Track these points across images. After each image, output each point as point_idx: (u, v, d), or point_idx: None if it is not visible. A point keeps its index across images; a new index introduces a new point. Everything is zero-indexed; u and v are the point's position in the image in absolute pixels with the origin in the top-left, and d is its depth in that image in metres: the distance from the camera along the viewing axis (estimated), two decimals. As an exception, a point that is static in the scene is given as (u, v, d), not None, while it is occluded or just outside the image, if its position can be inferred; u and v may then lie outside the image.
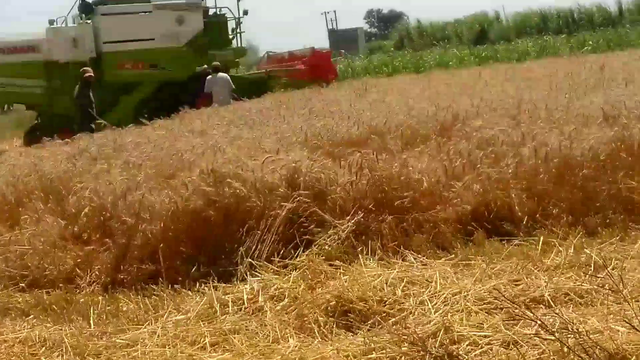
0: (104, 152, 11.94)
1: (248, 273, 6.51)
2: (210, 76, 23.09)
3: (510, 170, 7.85)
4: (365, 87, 22.35)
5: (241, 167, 7.97)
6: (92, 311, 6.22)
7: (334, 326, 5.27)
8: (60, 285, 7.26)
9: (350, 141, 10.58)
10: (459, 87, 17.79)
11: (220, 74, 23.17)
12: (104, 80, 24.49)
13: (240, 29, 27.48)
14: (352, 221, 7.07)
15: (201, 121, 15.51)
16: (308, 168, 7.72)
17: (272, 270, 6.40)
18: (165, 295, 6.56)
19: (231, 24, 27.34)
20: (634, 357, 4.13)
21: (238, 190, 7.54)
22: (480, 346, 4.63)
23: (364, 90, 20.85)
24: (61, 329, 5.75)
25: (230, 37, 27.35)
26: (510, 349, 4.53)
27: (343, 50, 43.72)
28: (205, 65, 23.97)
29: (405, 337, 4.77)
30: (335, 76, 29.12)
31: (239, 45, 27.88)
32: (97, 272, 7.41)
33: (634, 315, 4.46)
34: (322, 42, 61.00)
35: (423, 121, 11.32)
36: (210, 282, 6.50)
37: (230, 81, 23.10)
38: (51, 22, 25.71)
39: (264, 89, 24.26)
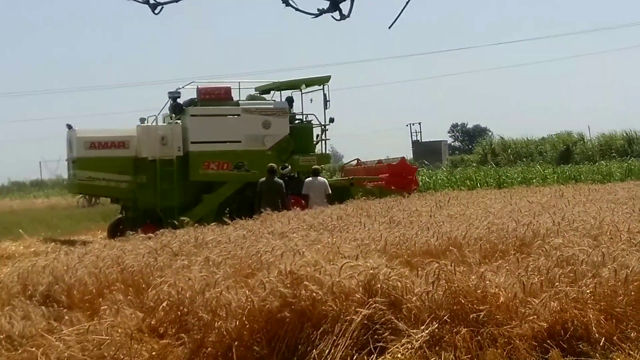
0: (185, 248, 12.13)
1: (320, 376, 6.53)
2: (309, 179, 23.43)
3: (588, 290, 7.78)
4: (447, 199, 22.38)
5: (319, 270, 8.04)
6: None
7: None
8: (134, 377, 7.36)
9: (428, 251, 10.60)
10: (540, 204, 17.68)
11: (320, 178, 23.49)
12: (188, 179, 25.03)
13: (325, 136, 27.94)
14: (427, 331, 7.07)
15: (282, 223, 15.65)
16: (385, 275, 7.77)
17: (344, 376, 6.41)
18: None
19: (317, 131, 27.80)
20: None
21: (315, 293, 7.61)
22: None
23: (445, 202, 20.86)
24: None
25: (315, 143, 27.74)
26: None
27: (426, 162, 43.97)
28: (289, 167, 24.26)
29: None
30: (417, 187, 29.24)
31: (323, 151, 28.26)
32: (175, 367, 7.50)
33: None
34: (406, 153, 61.41)
35: (503, 236, 11.29)
36: (281, 383, 6.54)
37: (328, 185, 23.36)
38: (142, 120, 26.36)
39: (347, 196, 24.44)
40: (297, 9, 2.95)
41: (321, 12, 2.99)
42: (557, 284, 8.00)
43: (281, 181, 22.61)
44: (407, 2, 3.16)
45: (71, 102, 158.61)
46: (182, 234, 14.32)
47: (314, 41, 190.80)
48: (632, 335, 7.25)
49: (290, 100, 27.45)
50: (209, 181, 25.79)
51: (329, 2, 2.95)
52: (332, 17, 3.01)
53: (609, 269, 8.13)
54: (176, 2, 2.93)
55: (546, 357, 7.01)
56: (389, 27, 3.20)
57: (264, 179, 22.55)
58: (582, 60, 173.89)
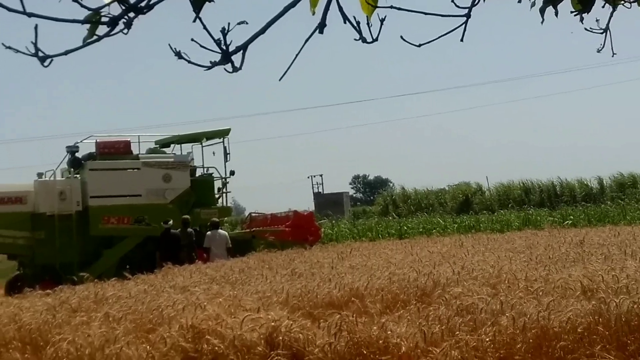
0: (84, 304, 11.94)
1: None
2: (209, 232, 23.48)
3: (488, 339, 7.89)
4: (349, 250, 22.50)
5: (221, 324, 8.00)
6: None
7: None
8: None
9: (330, 303, 10.64)
10: (440, 254, 17.91)
11: (220, 231, 23.65)
12: (87, 234, 24.72)
13: (226, 189, 27.99)
14: (329, 383, 7.07)
15: (183, 277, 15.55)
16: (287, 328, 7.77)
17: None
18: None
19: (218, 184, 27.79)
20: None
21: (217, 347, 7.57)
22: None
23: (347, 253, 20.97)
24: None
25: (217, 196, 27.71)
26: None
27: (330, 212, 44.11)
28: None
29: None
30: (318, 238, 29.33)
31: (225, 204, 28.24)
32: None
33: None
34: (307, 205, 61.59)
35: (404, 286, 11.39)
36: None
37: (229, 238, 23.41)
38: (39, 174, 26.03)
39: (248, 249, 24.41)
40: (189, 62, 2.99)
41: (213, 64, 3.02)
42: (457, 332, 8.09)
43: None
44: (297, 56, 3.22)
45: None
46: (82, 290, 14.11)
47: (213, 94, 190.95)
48: (530, 382, 7.35)
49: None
50: (109, 236, 25.48)
51: (220, 55, 2.99)
52: (225, 69, 3.06)
53: (507, 317, 8.26)
54: (65, 55, 2.91)
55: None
56: (280, 80, 3.24)
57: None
58: (479, 111, 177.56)
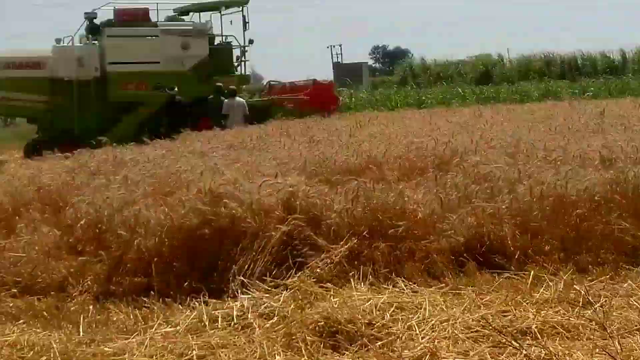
0: (103, 167, 12.01)
1: (239, 290, 6.55)
2: (227, 99, 23.41)
3: (504, 206, 7.90)
4: (367, 119, 22.47)
5: (238, 188, 8.02)
6: (82, 319, 6.25)
7: (322, 346, 5.29)
8: (52, 293, 7.33)
9: (348, 170, 10.63)
10: (459, 124, 17.84)
11: (238, 98, 23.61)
12: (106, 100, 24.77)
13: (245, 57, 27.78)
14: (346, 246, 7.12)
15: (202, 143, 15.58)
16: (304, 193, 7.78)
17: (263, 290, 6.43)
18: (155, 307, 6.60)
19: (236, 52, 27.60)
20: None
21: (234, 211, 7.59)
22: (465, 373, 4.67)
23: (365, 122, 20.94)
24: (50, 335, 5.77)
25: (235, 64, 27.56)
26: (495, 377, 4.57)
27: (349, 81, 43.92)
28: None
29: None
30: (336, 107, 29.25)
31: (243, 73, 28.10)
32: (89, 282, 7.48)
33: (618, 351, 4.50)
34: (326, 75, 61.20)
35: (422, 154, 11.37)
36: (201, 298, 6.54)
37: (246, 106, 23.37)
38: (58, 40, 25.94)
39: (267, 117, 24.38)
40: None
41: None
42: (474, 200, 8.11)
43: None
44: None
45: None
46: (100, 154, 14.19)
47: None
48: (546, 248, 7.39)
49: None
50: (127, 102, 25.48)
51: None
52: None
53: (524, 185, 8.26)
54: None
55: (462, 270, 7.11)
56: None
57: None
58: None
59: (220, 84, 24.63)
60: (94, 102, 24.68)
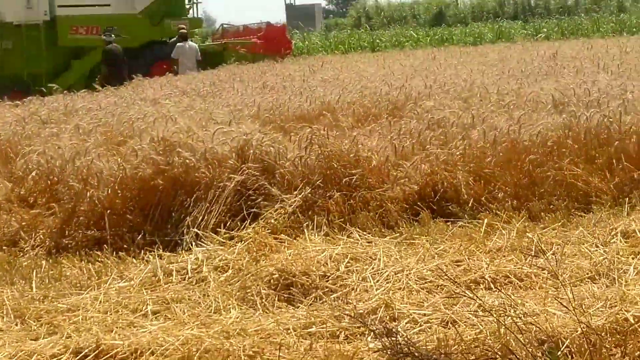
0: (54, 116, 11.85)
1: (194, 243, 6.55)
2: (179, 43, 23.08)
3: (458, 152, 7.90)
4: (320, 63, 22.38)
5: (192, 137, 7.96)
6: (34, 275, 6.19)
7: (276, 299, 5.32)
8: (4, 247, 7.24)
9: (301, 116, 10.61)
10: (413, 67, 17.85)
11: (190, 43, 23.21)
12: (57, 44, 24.37)
13: (197, 0, 27.38)
14: (300, 196, 7.10)
15: (154, 90, 15.43)
16: (258, 141, 7.73)
17: (217, 242, 6.44)
18: (109, 262, 6.56)
19: (189, -6, 27.22)
20: (567, 340, 4.22)
21: (188, 160, 7.54)
22: (419, 324, 4.71)
23: (318, 66, 20.87)
24: (2, 291, 5.73)
25: (187, 7, 27.21)
26: (449, 328, 4.61)
27: (302, 24, 43.64)
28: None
29: (346, 312, 4.84)
30: (290, 51, 29.10)
31: (196, 16, 27.76)
32: (41, 236, 7.38)
33: (570, 299, 4.54)
34: (279, 17, 60.84)
35: (376, 100, 11.38)
36: (156, 251, 6.54)
37: (198, 50, 23.04)
38: (5, -18, 25.38)
39: (219, 61, 24.18)
40: None
41: None
42: (428, 146, 8.11)
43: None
44: None
45: None
46: (51, 101, 14.01)
47: None
48: (499, 195, 7.39)
49: None
50: (78, 47, 25.11)
51: None
52: None
53: (478, 130, 8.28)
54: None
55: (417, 219, 7.11)
56: None
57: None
58: None
59: (184, 29, 24.12)
60: (44, 47, 24.23)
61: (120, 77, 20.15)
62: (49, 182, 8.21)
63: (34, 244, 7.29)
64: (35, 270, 6.33)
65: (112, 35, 22.66)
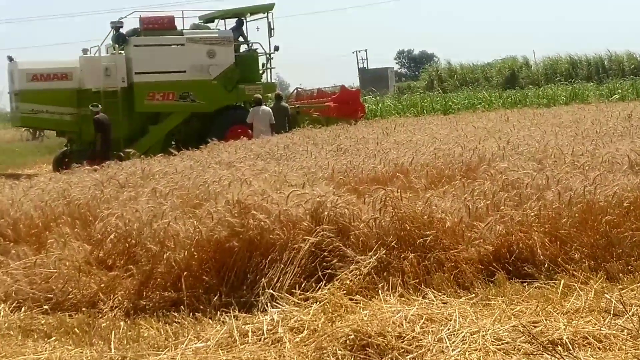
0: (132, 180, 12.05)
1: (269, 304, 6.58)
2: (252, 108, 23.32)
3: (533, 213, 7.86)
4: (393, 126, 22.48)
5: (266, 199, 8.04)
6: (113, 335, 6.29)
7: (352, 360, 5.31)
8: (83, 309, 7.37)
9: (375, 179, 10.65)
10: (486, 129, 17.82)
11: (263, 107, 23.37)
12: (133, 110, 24.88)
13: (270, 65, 27.80)
14: (374, 257, 7.11)
15: (229, 153, 15.62)
16: (333, 203, 7.77)
17: (293, 302, 6.47)
18: (186, 322, 6.64)
19: (262, 59, 27.62)
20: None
21: (262, 222, 7.61)
22: (496, 385, 4.67)
23: (391, 129, 20.95)
24: (82, 352, 5.83)
25: (261, 72, 27.60)
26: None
27: (374, 89, 43.86)
28: (100, 106, 23.24)
29: (422, 373, 4.82)
30: (363, 114, 29.29)
31: (269, 80, 28.13)
32: (119, 298, 7.51)
33: (651, 360, 4.48)
34: (352, 81, 61.22)
35: (449, 161, 11.38)
36: (231, 312, 6.57)
37: (272, 115, 23.29)
38: (85, 50, 26.02)
39: (293, 125, 24.41)
40: None
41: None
42: (502, 207, 8.08)
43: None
44: None
45: (11, 33, 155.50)
46: (129, 166, 14.23)
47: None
48: (575, 256, 7.35)
49: (240, 24, 27.31)
50: (154, 112, 25.62)
51: None
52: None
53: (553, 191, 8.22)
54: None
55: (492, 279, 7.09)
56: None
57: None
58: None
59: (259, 95, 24.37)
60: (121, 113, 24.72)
61: (110, 143, 21.10)
62: (126, 244, 8.36)
63: (112, 306, 7.41)
64: (113, 331, 6.43)
65: (99, 106, 23.02)
